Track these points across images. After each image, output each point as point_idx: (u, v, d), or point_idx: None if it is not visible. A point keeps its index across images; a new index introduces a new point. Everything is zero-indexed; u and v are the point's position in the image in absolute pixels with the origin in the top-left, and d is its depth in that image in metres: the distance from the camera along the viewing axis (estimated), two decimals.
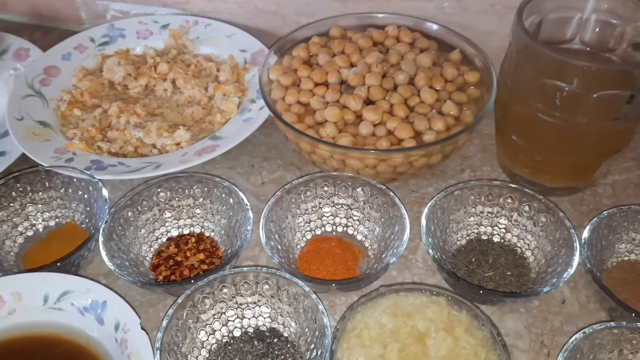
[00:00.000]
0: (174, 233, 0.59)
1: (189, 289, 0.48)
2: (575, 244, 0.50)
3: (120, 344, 0.46)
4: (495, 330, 0.45)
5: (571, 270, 0.49)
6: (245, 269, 0.49)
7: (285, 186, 0.56)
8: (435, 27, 0.67)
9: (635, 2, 0.56)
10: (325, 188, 0.58)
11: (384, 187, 0.55)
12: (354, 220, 0.58)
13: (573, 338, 0.44)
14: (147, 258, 0.56)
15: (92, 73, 0.74)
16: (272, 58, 0.66)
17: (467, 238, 0.57)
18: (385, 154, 0.55)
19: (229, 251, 0.55)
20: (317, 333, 0.46)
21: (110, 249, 0.52)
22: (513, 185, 0.55)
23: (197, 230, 0.59)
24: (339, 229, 0.58)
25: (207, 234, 0.58)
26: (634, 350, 0.45)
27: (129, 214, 0.55)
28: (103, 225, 0.53)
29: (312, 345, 0.47)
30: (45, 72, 0.73)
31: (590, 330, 0.45)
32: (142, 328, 0.46)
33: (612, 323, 0.45)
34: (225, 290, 0.49)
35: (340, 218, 0.58)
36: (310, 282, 0.50)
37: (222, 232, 0.57)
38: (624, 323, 0.45)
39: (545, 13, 0.58)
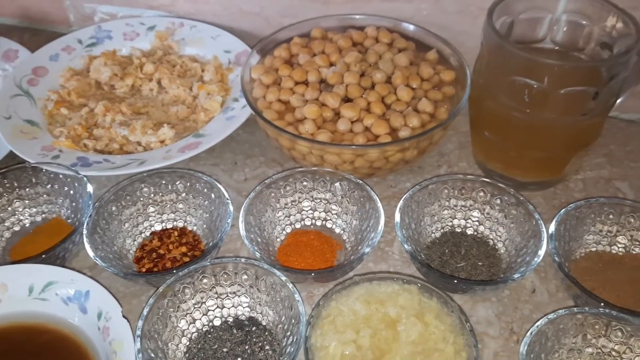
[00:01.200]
0: (158, 227, 0.60)
1: (169, 279, 0.49)
2: (542, 235, 0.52)
3: (102, 331, 0.47)
4: (464, 316, 0.47)
5: (538, 260, 0.51)
6: (224, 259, 0.51)
7: (266, 181, 0.58)
8: (412, 27, 0.69)
9: (602, 3, 0.58)
10: (305, 183, 0.59)
11: (361, 181, 0.57)
12: (332, 214, 0.60)
13: (538, 323, 0.46)
14: (131, 251, 0.58)
15: (80, 73, 0.75)
16: (255, 58, 0.68)
17: (442, 230, 0.59)
18: (361, 149, 0.57)
19: (210, 244, 0.57)
20: (293, 321, 0.48)
21: (94, 241, 0.54)
22: (485, 180, 0.57)
23: (180, 224, 0.60)
24: (318, 223, 0.60)
25: (189, 228, 0.60)
26: (597, 335, 0.47)
27: (113, 208, 0.57)
28: (87, 219, 0.54)
29: (289, 333, 0.48)
30: (34, 73, 0.74)
31: (554, 315, 0.46)
32: (124, 316, 0.47)
33: (575, 309, 0.47)
34: (205, 280, 0.51)
35: (319, 212, 0.60)
36: (289, 272, 0.52)
37: (204, 226, 0.59)
38: (587, 309, 0.47)
39: (516, 14, 0.60)
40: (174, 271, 0.51)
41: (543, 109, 0.55)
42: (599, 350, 0.48)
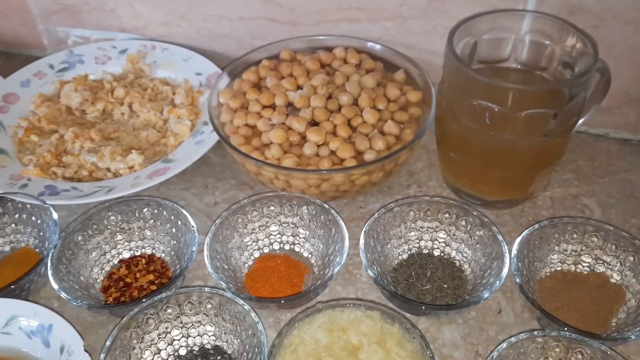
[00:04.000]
0: (126, 255, 0.60)
1: (132, 310, 0.49)
2: (505, 257, 0.52)
3: None
4: (425, 342, 0.47)
5: (499, 283, 0.51)
6: (188, 289, 0.51)
7: (232, 207, 0.58)
8: (378, 47, 0.70)
9: (562, 24, 0.59)
10: (272, 207, 0.60)
11: (327, 205, 0.57)
12: (300, 237, 0.60)
13: (499, 347, 0.46)
14: (99, 280, 0.58)
15: (50, 99, 0.76)
16: (224, 81, 0.69)
17: (409, 252, 0.59)
18: (326, 174, 0.58)
19: (177, 271, 0.57)
20: (256, 350, 0.48)
21: (59, 272, 0.54)
22: (451, 201, 0.58)
23: (149, 251, 0.60)
24: (286, 247, 0.60)
25: (158, 255, 0.60)
26: (558, 357, 0.48)
27: (79, 237, 0.57)
28: (52, 251, 0.54)
29: None
30: (4, 100, 0.74)
31: (515, 339, 0.47)
32: (86, 350, 0.47)
33: (535, 332, 0.47)
34: (169, 310, 0.51)
35: (287, 236, 0.60)
36: (253, 301, 0.52)
37: (172, 252, 0.59)
38: (547, 332, 0.47)
39: (479, 34, 0.61)
40: (140, 301, 0.51)
41: (504, 131, 0.55)
42: None
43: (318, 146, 0.61)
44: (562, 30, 0.59)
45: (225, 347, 0.52)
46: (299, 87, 0.66)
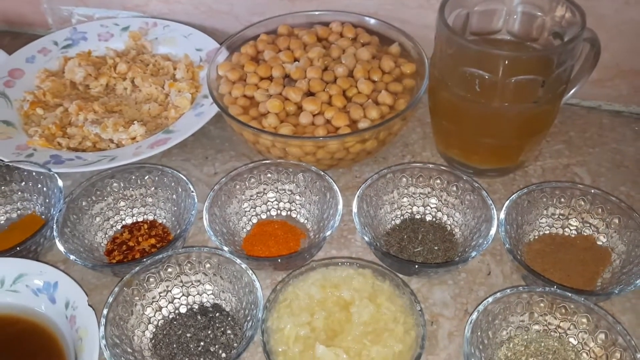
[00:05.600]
0: (129, 221, 0.62)
1: (134, 269, 0.51)
2: (493, 220, 0.54)
3: (69, 320, 0.49)
4: (414, 297, 0.49)
5: (487, 243, 0.53)
6: (188, 249, 0.53)
7: (231, 173, 0.60)
8: (374, 22, 0.71)
9: None
10: (269, 175, 0.61)
11: (323, 172, 0.59)
12: (296, 204, 0.62)
13: (484, 302, 0.48)
14: (102, 244, 0.60)
15: (55, 74, 0.78)
16: (223, 55, 0.70)
17: (402, 217, 0.61)
18: (321, 141, 0.59)
19: (178, 233, 0.59)
20: (252, 306, 0.50)
21: (64, 235, 0.56)
22: (442, 167, 0.60)
23: (150, 217, 0.63)
24: (284, 213, 0.62)
25: (159, 221, 0.62)
26: (543, 312, 0.50)
27: (83, 203, 0.59)
28: (57, 214, 0.56)
29: (249, 317, 0.50)
30: (10, 75, 0.76)
31: (500, 295, 0.49)
32: (90, 305, 0.50)
33: (521, 288, 0.49)
34: (169, 269, 0.53)
35: (284, 203, 0.62)
36: (251, 260, 0.54)
37: (173, 218, 0.61)
38: (532, 288, 0.49)
39: (471, 6, 0.62)
40: (142, 261, 0.53)
41: (494, 98, 0.56)
42: (546, 327, 0.50)
43: (314, 115, 0.62)
44: (552, 1, 0.60)
45: (223, 305, 0.54)
46: (296, 60, 0.68)
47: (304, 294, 0.50)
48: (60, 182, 0.60)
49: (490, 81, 0.55)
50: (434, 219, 0.60)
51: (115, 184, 0.61)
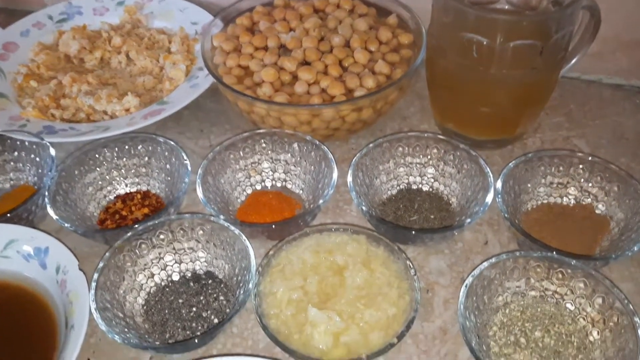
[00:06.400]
0: (122, 191, 0.62)
1: (126, 235, 0.51)
2: (490, 187, 0.53)
3: (60, 284, 0.49)
4: (409, 262, 0.48)
5: (483, 209, 0.52)
6: (180, 216, 0.53)
7: (224, 143, 0.59)
8: None
9: None
10: (264, 144, 0.61)
11: (318, 142, 0.58)
12: (292, 174, 0.61)
13: (480, 266, 0.48)
14: (95, 214, 0.60)
15: (49, 48, 0.77)
16: (217, 27, 0.70)
17: (398, 188, 0.60)
18: (316, 109, 0.59)
19: (171, 200, 0.58)
20: (245, 272, 0.50)
21: (56, 203, 0.55)
22: (439, 136, 0.59)
23: (144, 187, 0.62)
24: (279, 184, 0.62)
25: (153, 191, 0.62)
26: (540, 278, 0.49)
27: (76, 171, 0.59)
28: (49, 182, 0.56)
29: (242, 283, 0.50)
30: (4, 48, 0.76)
31: (496, 260, 0.48)
32: (80, 269, 0.49)
33: (517, 253, 0.48)
34: (162, 236, 0.52)
35: (279, 173, 0.61)
36: (244, 226, 0.53)
37: (167, 189, 0.61)
38: (529, 252, 0.48)
39: None
40: (133, 227, 0.52)
41: (491, 64, 0.56)
42: (542, 293, 0.49)
43: (309, 85, 0.61)
44: None
45: (216, 272, 0.53)
46: (292, 30, 0.67)
47: (297, 259, 0.49)
48: (52, 152, 0.59)
49: (488, 47, 0.54)
50: (431, 189, 0.59)
51: (108, 153, 0.60)
